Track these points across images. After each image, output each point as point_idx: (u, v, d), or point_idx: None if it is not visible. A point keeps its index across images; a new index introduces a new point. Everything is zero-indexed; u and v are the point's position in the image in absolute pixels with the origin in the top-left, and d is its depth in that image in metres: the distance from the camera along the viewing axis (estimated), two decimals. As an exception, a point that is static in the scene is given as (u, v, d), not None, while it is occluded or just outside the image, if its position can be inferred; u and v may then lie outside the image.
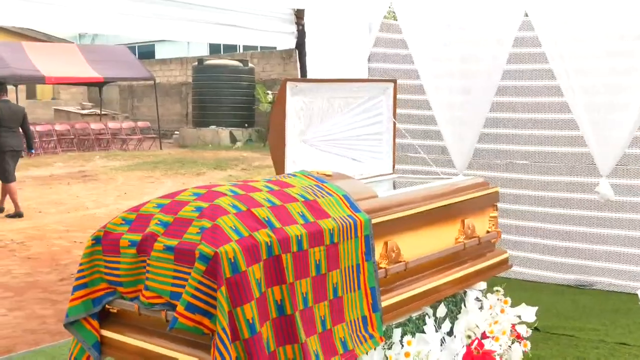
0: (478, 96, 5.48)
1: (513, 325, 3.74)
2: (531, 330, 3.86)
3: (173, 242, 2.42)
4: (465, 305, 3.63)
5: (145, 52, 30.62)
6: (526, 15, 5.32)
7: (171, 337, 2.49)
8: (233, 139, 20.13)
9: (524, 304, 3.83)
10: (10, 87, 19.77)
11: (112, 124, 20.94)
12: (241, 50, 25.90)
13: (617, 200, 5.34)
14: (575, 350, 4.28)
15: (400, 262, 3.06)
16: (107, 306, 2.70)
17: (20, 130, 9.66)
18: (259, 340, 2.32)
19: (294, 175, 3.03)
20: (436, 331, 3.22)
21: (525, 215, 5.93)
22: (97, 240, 2.68)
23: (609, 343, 4.41)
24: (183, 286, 2.34)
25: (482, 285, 3.77)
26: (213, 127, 20.51)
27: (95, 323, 2.70)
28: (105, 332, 2.71)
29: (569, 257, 5.78)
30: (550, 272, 5.84)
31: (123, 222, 2.66)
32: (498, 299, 3.81)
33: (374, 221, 2.87)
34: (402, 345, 3.01)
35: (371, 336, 2.79)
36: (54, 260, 7.32)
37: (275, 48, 20.26)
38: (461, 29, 5.49)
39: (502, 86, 5.66)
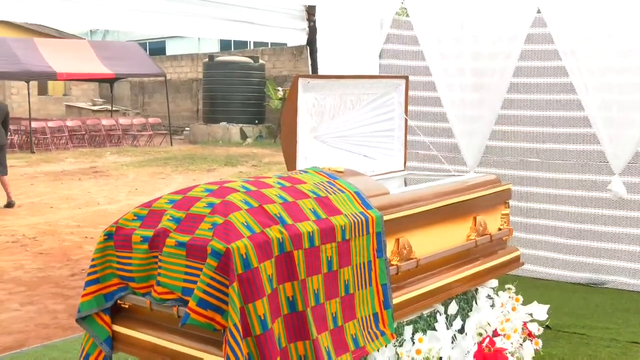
0: (490, 93, 5.46)
1: (524, 323, 3.73)
2: (543, 329, 3.84)
3: (185, 238, 2.43)
4: (476, 303, 3.62)
5: (156, 49, 30.69)
6: (539, 11, 5.29)
7: (183, 333, 2.49)
8: (243, 136, 20.17)
9: (535, 302, 3.82)
10: (22, 83, 19.93)
11: (123, 120, 21.02)
12: (252, 47, 25.91)
13: (629, 199, 5.31)
14: (587, 348, 4.26)
15: (412, 259, 3.05)
16: (119, 301, 2.71)
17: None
18: (270, 337, 2.32)
19: (306, 172, 3.03)
20: (447, 329, 3.21)
21: (536, 213, 5.90)
22: (109, 235, 2.68)
23: (620, 342, 4.39)
24: (195, 282, 2.34)
25: (494, 282, 3.76)
26: (223, 123, 20.56)
27: (107, 318, 2.71)
28: (117, 328, 2.72)
29: (581, 255, 5.75)
30: (562, 271, 5.81)
31: (135, 217, 2.67)
32: (509, 297, 3.80)
33: (385, 218, 2.87)
34: (413, 343, 3.01)
35: (382, 333, 2.78)
36: (65, 256, 7.35)
37: (286, 44, 20.28)
38: (473, 25, 5.47)
39: (514, 83, 5.63)
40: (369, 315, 2.76)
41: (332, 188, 2.86)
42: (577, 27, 5.04)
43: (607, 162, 5.24)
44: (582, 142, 5.62)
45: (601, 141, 5.15)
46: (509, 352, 3.41)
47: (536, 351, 3.69)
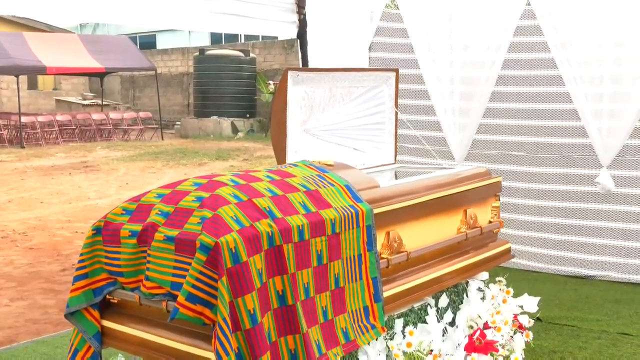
0: (478, 86, 5.46)
1: (515, 316, 3.74)
2: (533, 321, 3.86)
3: (174, 232, 2.41)
4: (467, 296, 3.62)
5: (147, 42, 30.54)
6: (528, 4, 5.29)
7: (172, 328, 2.48)
8: (235, 130, 20.11)
9: (526, 294, 3.83)
10: (11, 78, 19.80)
11: (113, 115, 20.92)
12: (243, 40, 25.84)
13: (617, 192, 5.31)
14: (578, 340, 4.28)
15: (402, 252, 3.05)
16: (107, 296, 2.69)
17: None
18: (260, 331, 2.31)
19: (296, 165, 3.02)
20: (438, 321, 3.21)
21: (523, 209, 5.86)
22: (97, 230, 2.66)
23: (611, 333, 4.41)
24: (184, 276, 2.33)
25: (484, 275, 3.77)
26: (215, 117, 20.50)
27: (96, 313, 2.70)
28: (106, 323, 2.71)
29: (568, 250, 5.73)
30: (549, 265, 5.80)
31: (123, 212, 2.65)
32: (500, 289, 3.80)
33: (375, 211, 2.86)
34: (404, 336, 3.01)
35: (373, 326, 2.78)
36: (55, 251, 7.33)
37: (276, 38, 20.22)
38: (462, 17, 5.47)
39: (501, 75, 5.61)
40: (360, 309, 2.76)
41: (322, 181, 2.85)
42: (567, 19, 5.04)
43: (595, 156, 5.25)
44: (570, 135, 5.60)
45: (590, 134, 5.16)
46: (500, 345, 3.42)
47: (527, 343, 3.70)
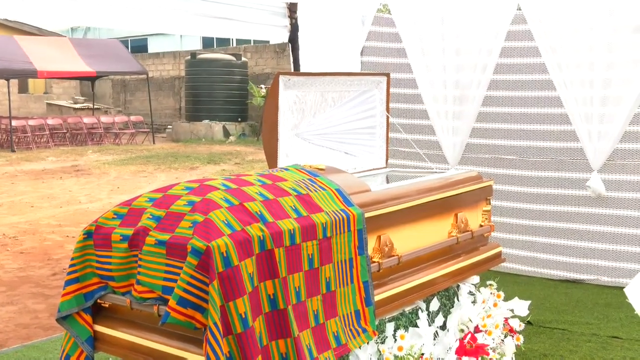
0: (471, 90, 5.48)
1: (506, 319, 3.75)
2: (524, 324, 3.87)
3: (165, 237, 2.41)
4: (458, 299, 3.63)
5: (138, 46, 30.47)
6: (519, 9, 5.31)
7: (163, 332, 2.48)
8: (226, 133, 20.09)
9: (516, 298, 3.84)
10: (2, 81, 19.71)
11: (104, 118, 20.85)
12: (234, 44, 25.81)
13: (607, 196, 5.32)
14: (568, 343, 4.29)
15: (393, 256, 3.06)
16: (99, 301, 2.69)
17: None
18: (251, 335, 2.31)
19: (287, 169, 3.02)
20: (429, 325, 3.22)
21: (514, 212, 5.86)
22: (88, 234, 2.66)
23: (601, 337, 4.42)
24: (175, 280, 2.33)
25: (475, 279, 3.78)
26: (206, 121, 20.46)
27: (88, 318, 2.69)
28: (98, 327, 2.70)
29: (558, 254, 5.73)
30: (540, 269, 5.80)
31: (115, 216, 2.65)
32: (491, 293, 3.82)
33: (367, 215, 2.87)
34: (395, 339, 3.01)
35: (364, 330, 2.79)
36: (46, 255, 7.29)
37: (268, 42, 20.22)
38: (454, 21, 5.49)
39: (493, 80, 5.62)
40: (351, 313, 2.77)
41: (313, 185, 2.86)
42: (558, 24, 5.07)
43: (586, 160, 5.26)
44: (561, 139, 5.61)
45: (580, 137, 5.17)
46: (491, 348, 3.43)
47: (517, 347, 3.71)
